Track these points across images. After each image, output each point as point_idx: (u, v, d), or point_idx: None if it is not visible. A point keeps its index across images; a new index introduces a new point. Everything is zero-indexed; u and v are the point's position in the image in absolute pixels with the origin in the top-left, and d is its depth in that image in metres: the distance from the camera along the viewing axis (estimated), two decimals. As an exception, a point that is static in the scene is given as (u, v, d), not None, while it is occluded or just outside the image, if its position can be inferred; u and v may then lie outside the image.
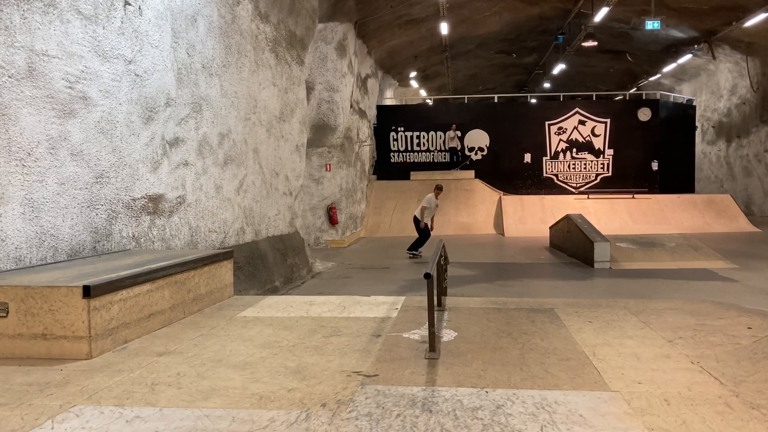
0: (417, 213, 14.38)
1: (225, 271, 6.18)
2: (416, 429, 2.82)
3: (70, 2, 5.38)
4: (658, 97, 23.83)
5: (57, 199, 5.30)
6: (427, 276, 3.99)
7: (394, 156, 23.12)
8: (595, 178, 22.67)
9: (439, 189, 14.67)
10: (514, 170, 22.53)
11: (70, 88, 5.40)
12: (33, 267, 4.91)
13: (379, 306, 5.75)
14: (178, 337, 4.60)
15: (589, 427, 2.83)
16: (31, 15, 4.95)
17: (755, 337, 4.37)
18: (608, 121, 22.54)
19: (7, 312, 4.04)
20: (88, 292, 4.01)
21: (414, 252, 13.91)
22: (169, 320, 5.01)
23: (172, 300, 5.07)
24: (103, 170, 5.86)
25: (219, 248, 8.00)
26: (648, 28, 19.04)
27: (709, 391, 3.28)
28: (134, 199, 6.32)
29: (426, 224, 14.08)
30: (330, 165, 17.32)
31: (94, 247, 5.76)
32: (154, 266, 4.91)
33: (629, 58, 26.68)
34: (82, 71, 5.55)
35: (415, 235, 14.42)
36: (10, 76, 4.76)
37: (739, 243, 15.75)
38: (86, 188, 5.64)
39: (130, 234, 6.30)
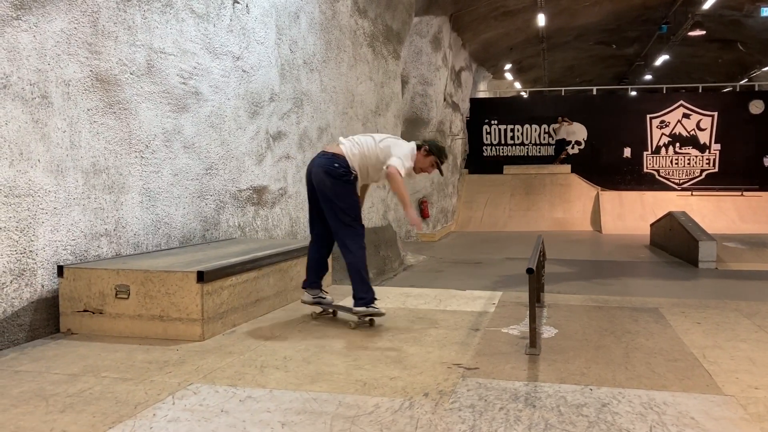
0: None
1: (324, 261, 6.33)
2: (520, 423, 2.82)
3: (185, 1, 5.67)
4: (773, 88, 22.37)
5: (171, 189, 5.60)
6: (530, 271, 3.96)
7: (486, 149, 22.85)
8: (700, 174, 21.56)
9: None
10: (612, 165, 21.75)
11: (183, 83, 5.70)
12: (150, 253, 5.22)
13: (476, 300, 5.75)
14: (282, 322, 4.78)
15: (703, 431, 2.73)
16: (151, 15, 5.26)
17: None
18: (715, 114, 21.36)
19: (129, 294, 4.32)
20: (201, 277, 4.23)
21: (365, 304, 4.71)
22: (273, 306, 5.21)
23: (276, 287, 5.27)
24: (213, 162, 6.14)
25: (317, 239, 8.21)
26: (763, 15, 17.91)
27: (834, 401, 3.09)
28: (240, 190, 6.59)
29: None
30: (423, 159, 17.32)
31: (203, 235, 6.06)
32: (260, 254, 5.12)
33: (740, 48, 25.15)
34: (195, 67, 5.84)
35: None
36: (131, 73, 5.08)
37: None
38: (197, 179, 5.94)
39: (236, 223, 6.58)
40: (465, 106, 22.30)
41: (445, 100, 18.27)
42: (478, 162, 22.69)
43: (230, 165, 6.41)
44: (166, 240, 5.57)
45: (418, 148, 4.69)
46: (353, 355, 3.92)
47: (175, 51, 5.57)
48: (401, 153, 4.55)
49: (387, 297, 5.86)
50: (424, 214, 17.27)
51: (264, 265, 5.07)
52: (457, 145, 20.70)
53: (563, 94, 24.87)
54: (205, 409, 2.97)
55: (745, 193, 19.52)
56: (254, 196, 6.87)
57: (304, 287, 4.96)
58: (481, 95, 25.03)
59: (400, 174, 4.46)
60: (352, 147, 4.58)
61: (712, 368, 3.63)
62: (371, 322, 4.68)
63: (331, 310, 4.99)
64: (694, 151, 21.61)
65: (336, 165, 4.51)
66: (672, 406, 3.02)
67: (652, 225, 15.80)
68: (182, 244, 5.73)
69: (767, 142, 20.95)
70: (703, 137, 21.53)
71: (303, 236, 8.01)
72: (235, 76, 6.46)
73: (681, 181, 21.67)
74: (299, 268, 5.73)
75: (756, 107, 21.13)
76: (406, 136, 16.23)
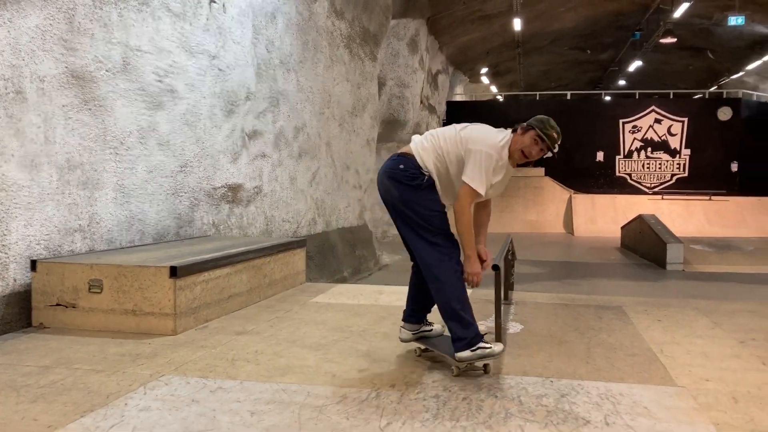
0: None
1: (298, 259, 6.42)
2: (481, 412, 2.93)
3: (162, 0, 5.71)
4: (740, 95, 22.91)
5: (145, 186, 5.64)
6: (495, 268, 4.07)
7: (462, 152, 23.02)
8: (671, 179, 22.04)
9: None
10: (585, 169, 22.13)
11: (159, 81, 5.74)
12: (123, 248, 5.26)
13: (446, 298, 5.85)
14: (254, 318, 4.85)
15: (654, 419, 2.87)
16: (127, 13, 5.30)
17: (833, 342, 4.26)
18: (686, 120, 21.86)
19: (102, 288, 4.37)
20: (174, 272, 4.29)
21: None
22: (246, 302, 5.28)
23: (250, 284, 5.34)
24: (188, 160, 6.19)
25: (292, 237, 8.28)
26: (731, 24, 18.37)
27: (780, 392, 3.26)
28: (215, 188, 6.64)
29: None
30: (399, 160, 17.42)
31: (177, 232, 6.10)
32: (233, 251, 5.18)
33: (710, 56, 25.73)
34: (171, 66, 5.88)
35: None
36: (107, 70, 5.11)
37: (824, 249, 15.03)
38: (171, 176, 5.98)
39: (211, 221, 6.62)
40: (441, 108, 22.50)
41: (421, 102, 18.43)
42: (454, 164, 22.83)
43: (205, 163, 6.46)
44: (140, 236, 5.61)
45: (513, 131, 3.56)
46: (324, 349, 4.01)
47: (151, 49, 5.61)
48: (481, 157, 3.38)
49: (360, 294, 5.95)
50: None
51: (237, 261, 5.13)
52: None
53: (538, 98, 25.21)
54: (176, 399, 3.04)
55: (713, 197, 19.98)
56: (229, 194, 6.92)
57: (402, 319, 3.90)
58: (458, 98, 25.26)
59: (475, 193, 3.43)
60: (423, 140, 3.55)
61: (668, 362, 3.78)
62: (485, 368, 3.51)
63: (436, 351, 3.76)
64: (665, 156, 22.08)
65: (402, 167, 3.47)
66: (627, 397, 3.16)
67: (622, 228, 16.11)
68: (156, 240, 5.77)
69: (735, 148, 21.47)
70: (674, 142, 22.00)
71: (278, 234, 8.08)
72: (211, 75, 6.51)
73: (652, 185, 22.11)
74: (273, 266, 5.81)
75: (724, 114, 21.65)
76: (383, 137, 16.36)
